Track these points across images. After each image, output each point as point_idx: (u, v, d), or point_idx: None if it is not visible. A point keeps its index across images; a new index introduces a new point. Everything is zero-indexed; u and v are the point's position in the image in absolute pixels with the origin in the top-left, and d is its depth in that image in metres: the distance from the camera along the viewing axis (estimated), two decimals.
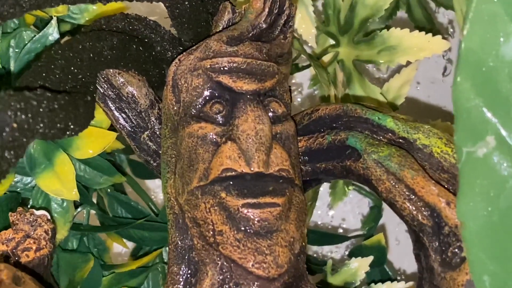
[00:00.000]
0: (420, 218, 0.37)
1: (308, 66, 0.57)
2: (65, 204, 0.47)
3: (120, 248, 0.58)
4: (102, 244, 0.52)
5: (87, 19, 0.49)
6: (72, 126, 0.33)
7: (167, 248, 0.53)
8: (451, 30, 0.67)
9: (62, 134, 0.33)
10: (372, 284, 0.55)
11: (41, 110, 0.30)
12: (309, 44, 0.54)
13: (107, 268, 0.49)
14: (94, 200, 0.53)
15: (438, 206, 0.36)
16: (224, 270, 0.37)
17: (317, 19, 0.54)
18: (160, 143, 0.43)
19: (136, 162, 0.58)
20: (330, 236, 0.60)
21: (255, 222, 0.36)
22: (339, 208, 0.65)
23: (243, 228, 0.36)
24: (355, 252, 0.56)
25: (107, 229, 0.50)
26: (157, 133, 0.44)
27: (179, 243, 0.39)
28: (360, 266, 0.53)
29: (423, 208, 0.37)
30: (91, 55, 0.38)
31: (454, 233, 0.36)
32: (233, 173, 0.37)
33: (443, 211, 0.36)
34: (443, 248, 0.36)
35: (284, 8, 0.42)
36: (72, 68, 0.36)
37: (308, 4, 0.54)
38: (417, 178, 0.37)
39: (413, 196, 0.37)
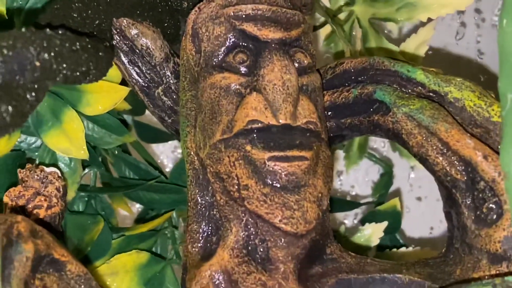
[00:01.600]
0: (453, 173, 0.35)
1: (320, 26, 0.56)
2: (72, 164, 0.45)
3: (124, 215, 0.56)
4: (109, 207, 0.50)
5: None
6: (93, 71, 0.31)
7: (176, 212, 0.51)
8: None
9: (84, 78, 0.31)
10: (387, 250, 0.53)
11: (64, 50, 0.28)
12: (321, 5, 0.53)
13: (116, 231, 0.47)
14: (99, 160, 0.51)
15: (474, 159, 0.35)
16: (249, 226, 0.35)
17: None
18: (175, 98, 0.42)
19: (142, 124, 0.56)
20: (340, 202, 0.59)
21: (283, 176, 0.35)
22: (349, 175, 0.63)
23: (269, 182, 0.35)
24: (368, 218, 0.55)
25: (116, 191, 0.48)
26: (172, 88, 0.42)
27: (199, 199, 0.37)
28: (374, 232, 0.52)
29: (457, 163, 0.35)
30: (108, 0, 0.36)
31: (490, 187, 0.34)
32: (259, 125, 0.35)
33: (479, 165, 0.34)
34: (478, 204, 0.35)
35: None
36: (90, 12, 0.34)
37: None
38: (451, 131, 0.35)
39: (447, 150, 0.35)
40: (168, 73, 0.41)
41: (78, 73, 0.30)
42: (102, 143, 0.46)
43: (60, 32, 0.29)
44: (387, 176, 0.61)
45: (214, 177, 0.36)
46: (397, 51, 0.51)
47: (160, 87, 0.42)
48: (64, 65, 0.28)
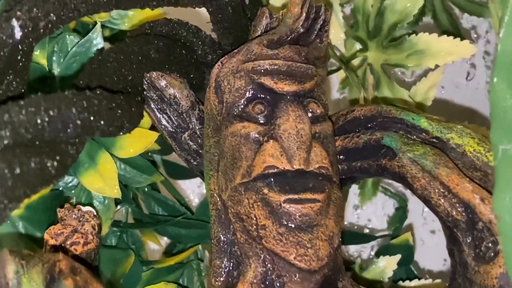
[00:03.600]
0: (454, 214, 0.38)
1: (335, 71, 0.59)
2: (106, 201, 0.49)
3: (153, 245, 0.60)
4: (139, 240, 0.54)
5: (126, 24, 0.51)
6: (127, 124, 0.35)
7: (202, 245, 0.55)
8: (475, 35, 0.69)
9: (118, 132, 0.34)
10: (400, 282, 0.56)
11: (101, 108, 0.32)
12: (337, 49, 0.56)
13: (146, 264, 0.50)
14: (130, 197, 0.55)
15: (472, 202, 0.38)
16: (266, 263, 0.38)
17: (345, 24, 0.56)
18: (200, 143, 0.45)
19: (169, 162, 0.60)
20: (357, 236, 0.62)
21: (297, 216, 0.38)
22: (365, 209, 0.66)
23: (285, 223, 0.38)
24: (383, 251, 0.58)
25: (146, 226, 0.52)
26: (198, 133, 0.45)
27: (222, 237, 0.41)
28: (388, 265, 0.55)
29: (457, 205, 0.38)
30: (140, 57, 0.40)
31: (488, 228, 0.37)
32: (276, 170, 0.39)
33: (477, 207, 0.38)
34: (477, 243, 0.38)
35: (320, 13, 0.44)
36: (123, 70, 0.38)
37: (337, 11, 0.56)
38: (451, 175, 0.39)
39: (448, 193, 0.39)
40: (194, 120, 0.45)
41: (113, 128, 0.34)
42: (133, 182, 0.50)
43: (98, 92, 0.33)
44: (401, 210, 0.64)
45: (235, 217, 0.40)
46: (407, 99, 0.54)
47: (187, 132, 0.46)
48: (102, 122, 0.32)
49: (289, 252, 0.38)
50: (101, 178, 0.47)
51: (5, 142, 0.28)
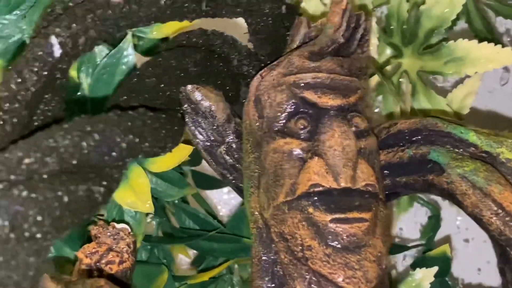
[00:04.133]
0: (507, 232, 0.37)
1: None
2: (138, 216, 0.48)
3: (179, 258, 0.59)
4: (170, 255, 0.53)
5: (155, 33, 0.49)
6: (169, 144, 0.34)
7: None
8: (508, 39, 0.67)
9: (161, 152, 0.33)
10: None
11: (146, 129, 0.31)
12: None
13: (178, 280, 0.49)
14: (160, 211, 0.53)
15: None
16: (312, 285, 0.37)
17: (378, 29, 0.55)
18: (237, 157, 0.44)
19: (197, 172, 0.59)
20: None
21: (344, 237, 0.37)
22: (397, 218, 0.65)
23: (332, 243, 0.37)
24: (419, 263, 0.56)
25: (178, 241, 0.51)
26: (234, 147, 0.44)
27: (263, 257, 0.39)
28: (424, 277, 0.53)
29: (511, 223, 0.37)
30: (178, 71, 0.38)
31: None
32: (321, 188, 0.37)
33: None
34: None
35: (360, 22, 0.42)
36: (162, 85, 0.37)
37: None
38: (505, 192, 0.37)
39: (501, 211, 0.37)
40: (230, 133, 0.44)
41: (157, 148, 0.32)
42: (165, 196, 0.49)
43: (141, 112, 0.32)
44: (434, 218, 0.62)
45: (278, 237, 0.38)
46: (445, 108, 0.52)
47: (222, 146, 0.44)
48: (146, 144, 0.31)
49: (337, 274, 0.36)
50: (133, 193, 0.46)
51: (51, 168, 0.27)
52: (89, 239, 0.43)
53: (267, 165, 0.39)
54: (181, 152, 0.45)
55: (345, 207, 0.37)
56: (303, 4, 0.50)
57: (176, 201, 0.53)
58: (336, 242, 0.37)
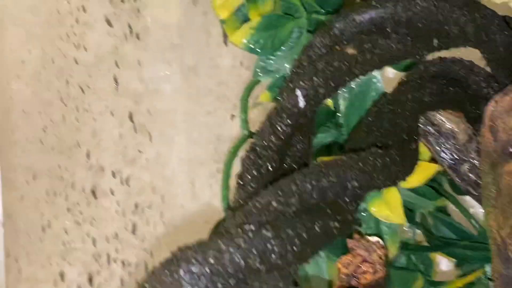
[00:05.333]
0: None
1: None
2: (392, 226, 0.53)
3: (444, 265, 0.62)
4: (428, 259, 0.57)
5: None
6: (401, 175, 0.38)
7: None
8: None
9: (393, 184, 0.38)
10: None
11: (376, 168, 0.36)
12: None
13: (433, 285, 0.53)
14: (417, 220, 0.57)
15: None
16: None
17: None
18: (479, 175, 0.47)
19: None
20: None
21: None
22: None
23: None
24: None
25: (433, 249, 0.55)
26: (477, 165, 0.47)
27: (503, 272, 0.42)
28: None
29: None
30: (413, 104, 0.42)
31: None
32: None
33: None
34: None
35: None
36: (398, 120, 0.41)
37: None
38: None
39: None
40: (472, 152, 0.47)
41: (388, 181, 0.37)
42: (417, 207, 0.53)
43: (373, 152, 0.37)
44: None
45: None
46: None
47: (466, 165, 0.47)
48: (378, 181, 0.36)
49: None
50: (387, 207, 0.51)
51: (293, 209, 0.33)
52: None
53: (502, 186, 0.42)
54: (428, 170, 0.49)
55: None
56: None
57: (432, 211, 0.57)
58: None
